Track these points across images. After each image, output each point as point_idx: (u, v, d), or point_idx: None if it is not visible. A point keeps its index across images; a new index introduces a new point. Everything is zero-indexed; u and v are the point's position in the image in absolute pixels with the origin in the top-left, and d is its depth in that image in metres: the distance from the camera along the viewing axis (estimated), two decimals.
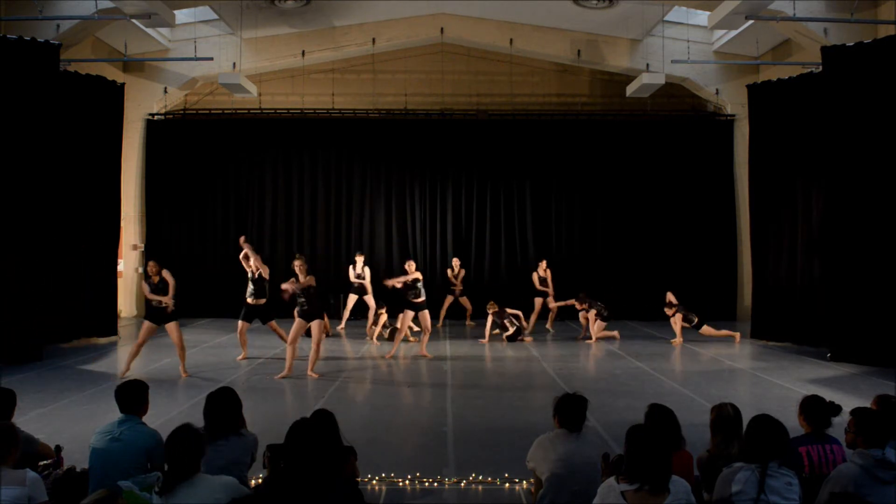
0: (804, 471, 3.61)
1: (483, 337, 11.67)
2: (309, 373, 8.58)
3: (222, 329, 12.60)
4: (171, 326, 8.54)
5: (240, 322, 9.67)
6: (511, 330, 11.47)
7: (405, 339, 11.01)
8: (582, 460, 3.69)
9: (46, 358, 9.69)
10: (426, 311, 9.92)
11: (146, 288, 8.60)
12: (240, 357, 9.74)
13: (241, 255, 9.92)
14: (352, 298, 12.56)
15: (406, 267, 10.17)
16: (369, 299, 12.27)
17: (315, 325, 8.58)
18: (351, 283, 12.55)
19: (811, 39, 11.12)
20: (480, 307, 12.46)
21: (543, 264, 12.70)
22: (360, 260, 12.67)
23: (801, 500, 3.12)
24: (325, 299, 12.40)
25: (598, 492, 3.04)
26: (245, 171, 15.13)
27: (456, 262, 13.65)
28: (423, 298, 9.83)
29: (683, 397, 7.55)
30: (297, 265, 8.68)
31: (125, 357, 9.01)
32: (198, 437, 3.19)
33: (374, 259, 14.62)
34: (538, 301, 12.52)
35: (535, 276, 12.62)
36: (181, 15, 13.19)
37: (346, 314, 12.72)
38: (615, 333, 11.69)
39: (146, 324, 8.63)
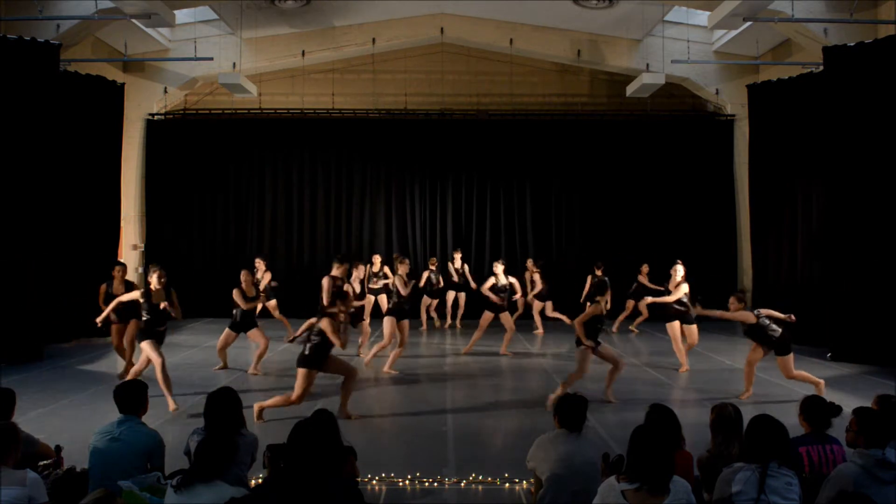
0: (804, 471, 3.61)
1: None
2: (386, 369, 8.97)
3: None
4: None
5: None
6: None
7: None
8: (582, 460, 3.69)
9: (46, 358, 9.69)
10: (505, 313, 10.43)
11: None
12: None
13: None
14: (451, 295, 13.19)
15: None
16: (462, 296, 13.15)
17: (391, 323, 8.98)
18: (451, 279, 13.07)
19: (811, 39, 11.11)
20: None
21: (681, 269, 9.56)
22: (457, 256, 13.21)
23: (801, 500, 3.12)
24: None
25: (598, 491, 3.04)
26: (245, 171, 15.13)
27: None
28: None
29: (683, 397, 7.55)
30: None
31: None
32: (229, 445, 3.26)
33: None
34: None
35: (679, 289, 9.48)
36: (181, 15, 13.18)
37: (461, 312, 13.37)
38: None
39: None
